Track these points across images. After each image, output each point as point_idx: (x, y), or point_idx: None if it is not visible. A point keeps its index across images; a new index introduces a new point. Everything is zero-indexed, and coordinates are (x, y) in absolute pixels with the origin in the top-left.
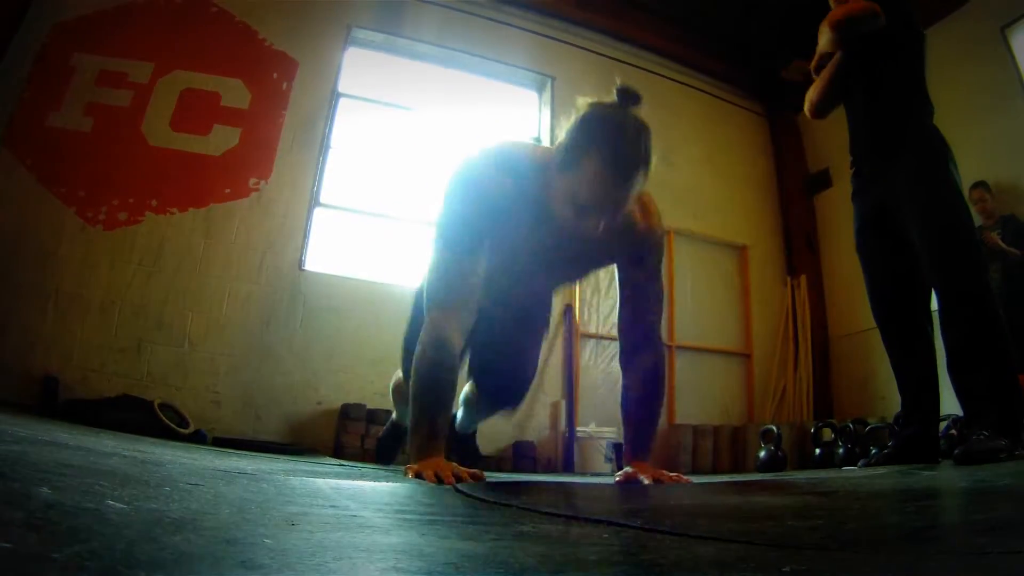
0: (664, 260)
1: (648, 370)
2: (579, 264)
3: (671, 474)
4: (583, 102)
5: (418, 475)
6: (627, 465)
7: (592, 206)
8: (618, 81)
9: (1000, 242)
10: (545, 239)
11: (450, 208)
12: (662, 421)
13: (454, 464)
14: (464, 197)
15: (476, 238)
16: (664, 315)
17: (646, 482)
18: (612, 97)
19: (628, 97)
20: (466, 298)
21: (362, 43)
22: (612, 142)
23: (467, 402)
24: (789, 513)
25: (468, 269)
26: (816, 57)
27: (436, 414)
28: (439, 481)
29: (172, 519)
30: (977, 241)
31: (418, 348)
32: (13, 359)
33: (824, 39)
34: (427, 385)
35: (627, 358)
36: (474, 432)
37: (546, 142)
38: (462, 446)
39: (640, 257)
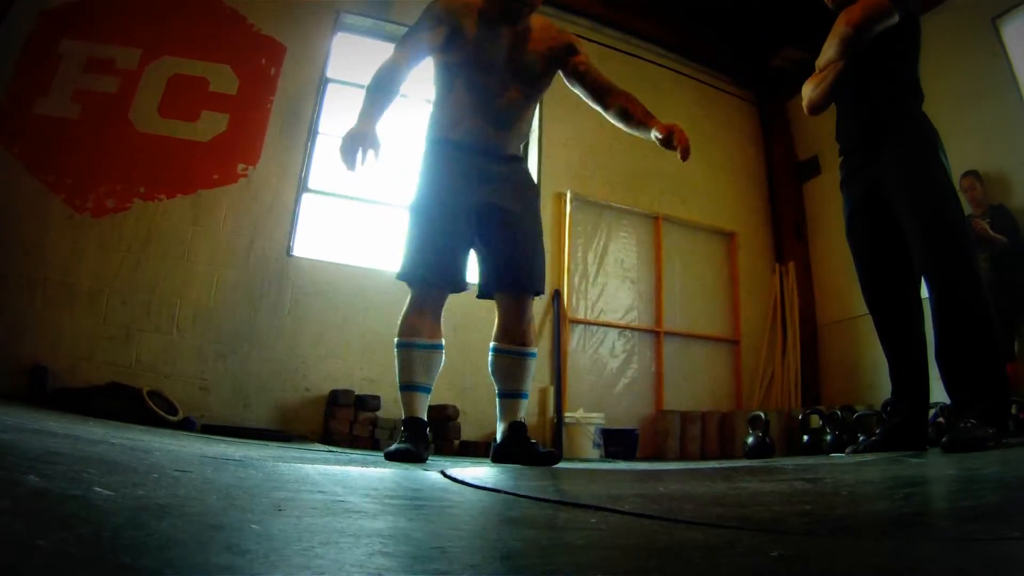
0: (656, 251)
1: (623, 95)
2: (529, 71)
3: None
4: None
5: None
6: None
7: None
8: None
9: (988, 230)
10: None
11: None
12: (651, 407)
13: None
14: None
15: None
16: (652, 302)
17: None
18: None
19: None
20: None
21: (350, 28)
22: None
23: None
24: (777, 499)
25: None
26: (823, 68)
27: (376, 101)
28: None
29: (159, 505)
30: (966, 229)
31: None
32: (1, 348)
33: (833, 50)
34: (376, 83)
35: (605, 105)
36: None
37: (535, 130)
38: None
39: (561, 54)
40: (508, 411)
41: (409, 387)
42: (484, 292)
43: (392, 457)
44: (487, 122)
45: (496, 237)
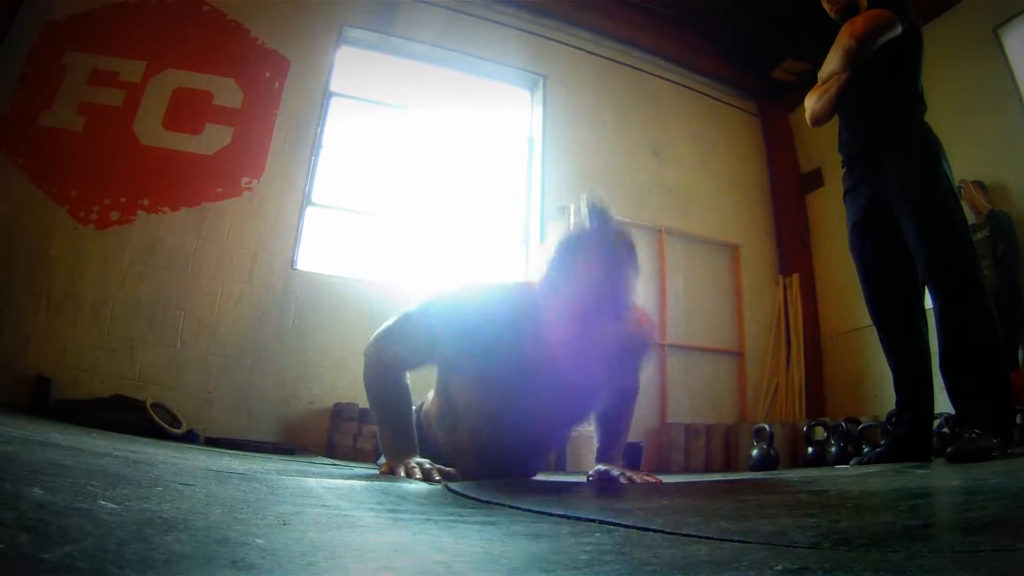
0: (659, 264)
1: (619, 412)
2: (579, 388)
3: (641, 473)
4: (557, 229)
5: (390, 471)
6: (598, 464)
7: (593, 311)
8: (585, 201)
9: (977, 196)
10: (539, 370)
11: (427, 312)
12: (655, 420)
13: (425, 461)
14: (443, 319)
15: (437, 341)
16: (656, 314)
17: (622, 480)
18: (584, 216)
19: (601, 217)
20: (414, 352)
21: (354, 42)
22: (601, 253)
23: None
24: (782, 512)
25: (424, 347)
26: (826, 80)
27: (398, 419)
28: (408, 476)
29: (164, 519)
30: (970, 239)
31: (369, 362)
32: (5, 359)
33: (837, 62)
34: (385, 393)
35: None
36: None
37: (538, 142)
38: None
39: (628, 361)
40: None
41: None
42: None
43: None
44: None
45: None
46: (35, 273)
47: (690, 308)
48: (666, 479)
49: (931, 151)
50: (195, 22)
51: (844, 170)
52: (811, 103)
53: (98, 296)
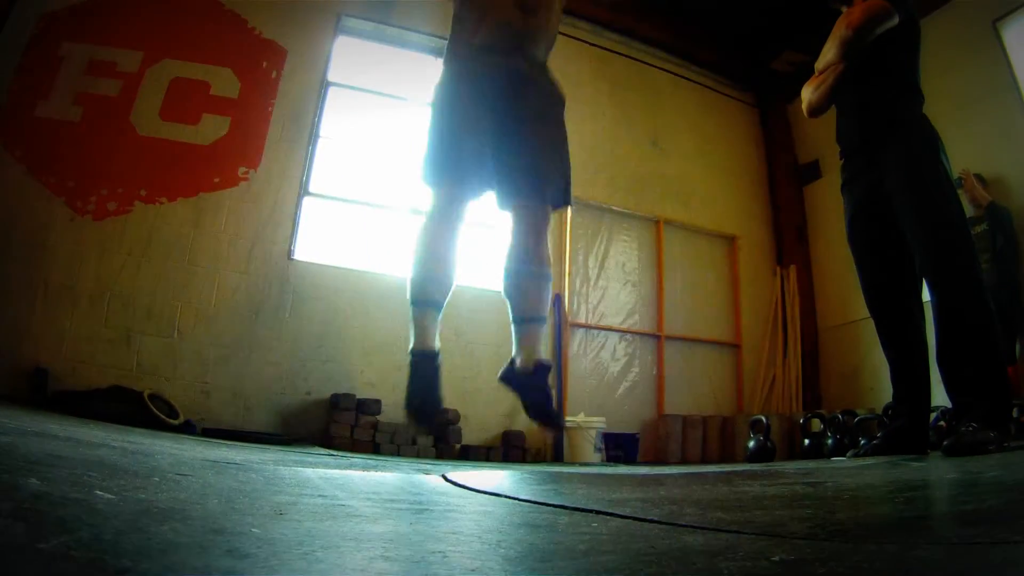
0: (657, 255)
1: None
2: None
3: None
4: None
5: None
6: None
7: None
8: None
9: (978, 187)
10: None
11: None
12: (652, 411)
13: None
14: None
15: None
16: (653, 305)
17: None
18: None
19: None
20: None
21: (352, 31)
22: None
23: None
24: (778, 503)
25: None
26: (823, 71)
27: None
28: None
29: (160, 509)
30: (968, 232)
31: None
32: (2, 350)
33: (833, 52)
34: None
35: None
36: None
37: None
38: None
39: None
40: (528, 338)
41: (423, 303)
42: (502, 203)
43: (410, 406)
44: (515, 5)
45: (517, 146)
46: (32, 264)
47: (687, 299)
48: (663, 471)
49: (929, 143)
50: (192, 12)
51: (842, 162)
52: (808, 93)
53: (95, 287)
